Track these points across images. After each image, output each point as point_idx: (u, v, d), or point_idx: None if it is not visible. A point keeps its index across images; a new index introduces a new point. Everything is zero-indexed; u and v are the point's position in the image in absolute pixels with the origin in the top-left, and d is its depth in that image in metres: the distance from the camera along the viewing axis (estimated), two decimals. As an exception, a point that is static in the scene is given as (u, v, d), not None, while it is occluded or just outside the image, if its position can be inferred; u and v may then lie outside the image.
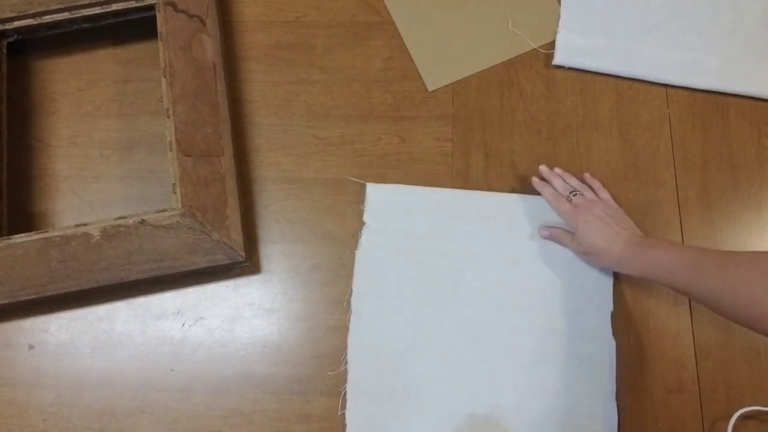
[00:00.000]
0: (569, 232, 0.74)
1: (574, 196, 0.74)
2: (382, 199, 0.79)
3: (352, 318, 0.75)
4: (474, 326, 0.74)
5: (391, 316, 0.74)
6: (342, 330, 0.75)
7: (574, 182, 0.77)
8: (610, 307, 0.73)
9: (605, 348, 0.72)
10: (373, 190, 0.79)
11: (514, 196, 0.78)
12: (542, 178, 0.77)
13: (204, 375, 0.74)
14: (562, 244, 0.75)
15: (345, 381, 0.73)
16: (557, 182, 0.76)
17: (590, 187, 0.77)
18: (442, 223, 0.78)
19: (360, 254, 0.77)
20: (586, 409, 0.70)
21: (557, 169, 0.78)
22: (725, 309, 0.57)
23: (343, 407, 0.72)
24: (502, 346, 0.73)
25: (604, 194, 0.76)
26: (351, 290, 0.76)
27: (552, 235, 0.76)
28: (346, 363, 0.73)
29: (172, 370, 0.74)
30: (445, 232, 0.77)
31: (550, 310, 0.74)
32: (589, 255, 0.72)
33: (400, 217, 0.78)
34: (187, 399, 0.73)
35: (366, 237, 0.77)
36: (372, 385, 0.72)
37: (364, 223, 0.78)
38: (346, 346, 0.74)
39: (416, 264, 0.76)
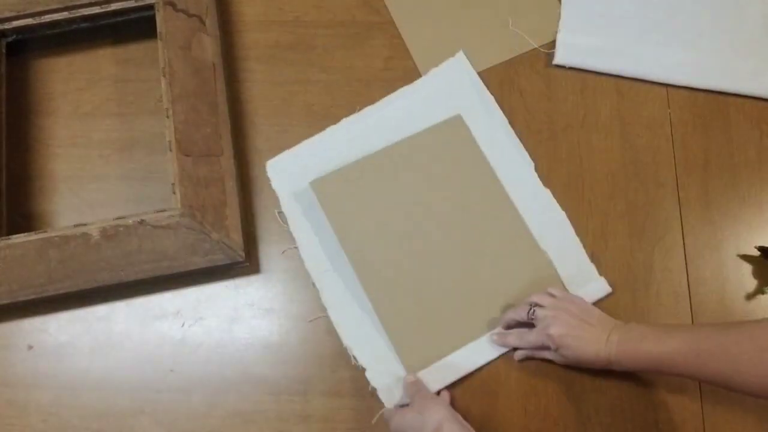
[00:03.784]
0: (546, 347, 0.67)
1: (533, 315, 0.67)
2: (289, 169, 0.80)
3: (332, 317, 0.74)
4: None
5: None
6: (342, 330, 0.75)
7: (523, 309, 0.69)
8: (532, 163, 0.78)
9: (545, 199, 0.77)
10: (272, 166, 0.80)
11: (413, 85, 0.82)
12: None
13: (204, 376, 0.74)
14: (543, 358, 0.70)
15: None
16: (509, 318, 0.70)
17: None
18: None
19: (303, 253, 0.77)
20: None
21: (508, 315, 0.71)
22: (735, 387, 0.57)
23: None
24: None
25: (557, 292, 0.70)
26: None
27: (528, 354, 0.70)
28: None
29: (172, 370, 0.74)
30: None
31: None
32: (573, 363, 0.67)
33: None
34: (186, 400, 0.73)
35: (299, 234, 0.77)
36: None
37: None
38: (344, 347, 0.74)
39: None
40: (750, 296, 0.73)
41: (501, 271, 0.75)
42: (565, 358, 0.66)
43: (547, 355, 0.69)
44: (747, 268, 0.74)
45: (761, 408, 0.70)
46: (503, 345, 0.71)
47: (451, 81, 0.82)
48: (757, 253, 0.74)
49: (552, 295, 0.69)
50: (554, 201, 0.77)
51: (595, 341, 0.64)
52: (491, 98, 0.81)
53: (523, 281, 0.74)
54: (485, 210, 0.77)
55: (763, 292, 0.73)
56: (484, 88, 0.81)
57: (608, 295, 0.74)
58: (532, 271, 0.75)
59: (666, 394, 0.71)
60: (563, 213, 0.77)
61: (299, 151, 0.80)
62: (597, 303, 0.72)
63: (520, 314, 0.69)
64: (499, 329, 0.72)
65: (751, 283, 0.74)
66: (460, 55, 0.83)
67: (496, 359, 0.72)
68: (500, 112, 0.80)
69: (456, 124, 0.80)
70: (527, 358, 0.71)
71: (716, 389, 0.69)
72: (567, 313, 0.66)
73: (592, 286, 0.74)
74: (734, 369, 0.56)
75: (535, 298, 0.69)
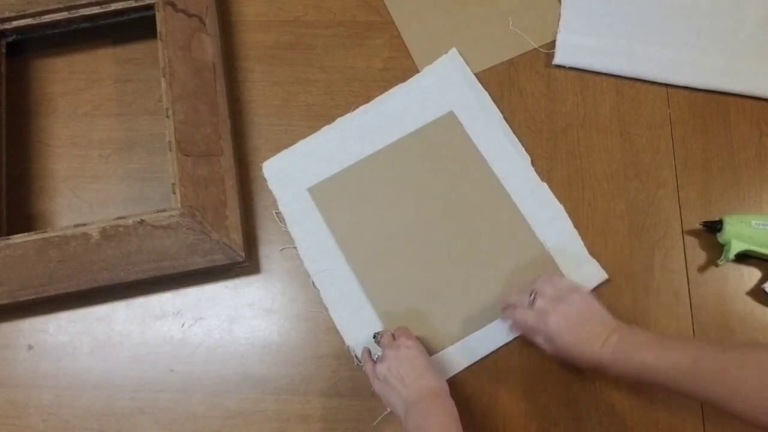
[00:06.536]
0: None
1: (534, 301, 0.65)
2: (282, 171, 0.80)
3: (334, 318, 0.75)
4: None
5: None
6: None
7: (525, 295, 0.67)
8: (528, 158, 0.79)
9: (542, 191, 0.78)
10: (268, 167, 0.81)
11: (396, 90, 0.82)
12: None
13: (203, 375, 0.74)
14: (535, 342, 0.66)
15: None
16: (514, 299, 0.69)
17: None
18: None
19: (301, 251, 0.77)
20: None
21: (511, 298, 0.70)
22: (732, 412, 0.53)
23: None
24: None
25: (562, 282, 0.67)
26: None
27: (517, 327, 0.69)
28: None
29: (172, 370, 0.74)
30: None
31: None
32: (563, 357, 0.64)
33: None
34: (186, 400, 0.73)
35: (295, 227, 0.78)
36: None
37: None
38: (345, 347, 0.74)
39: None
40: (701, 269, 0.74)
41: (501, 264, 0.75)
42: (556, 350, 0.64)
43: (539, 340, 0.65)
44: (747, 268, 0.74)
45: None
46: (505, 317, 0.71)
47: (445, 78, 0.82)
48: (701, 228, 0.75)
49: (556, 283, 0.66)
50: (551, 194, 0.77)
51: (592, 340, 0.61)
52: (486, 94, 0.81)
53: (522, 274, 0.74)
54: (483, 205, 0.77)
55: (716, 265, 0.74)
56: (478, 83, 0.81)
57: (608, 295, 0.74)
58: (532, 264, 0.75)
59: (666, 395, 0.71)
60: (561, 206, 0.77)
61: (295, 152, 0.80)
62: (596, 293, 0.73)
63: (521, 301, 0.67)
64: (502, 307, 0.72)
65: (751, 281, 0.74)
66: (453, 52, 0.83)
67: (495, 351, 0.72)
68: (495, 107, 0.80)
69: (449, 121, 0.80)
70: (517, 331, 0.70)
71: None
72: (568, 305, 0.63)
73: (589, 274, 0.74)
74: (734, 394, 0.52)
75: (539, 285, 0.66)
